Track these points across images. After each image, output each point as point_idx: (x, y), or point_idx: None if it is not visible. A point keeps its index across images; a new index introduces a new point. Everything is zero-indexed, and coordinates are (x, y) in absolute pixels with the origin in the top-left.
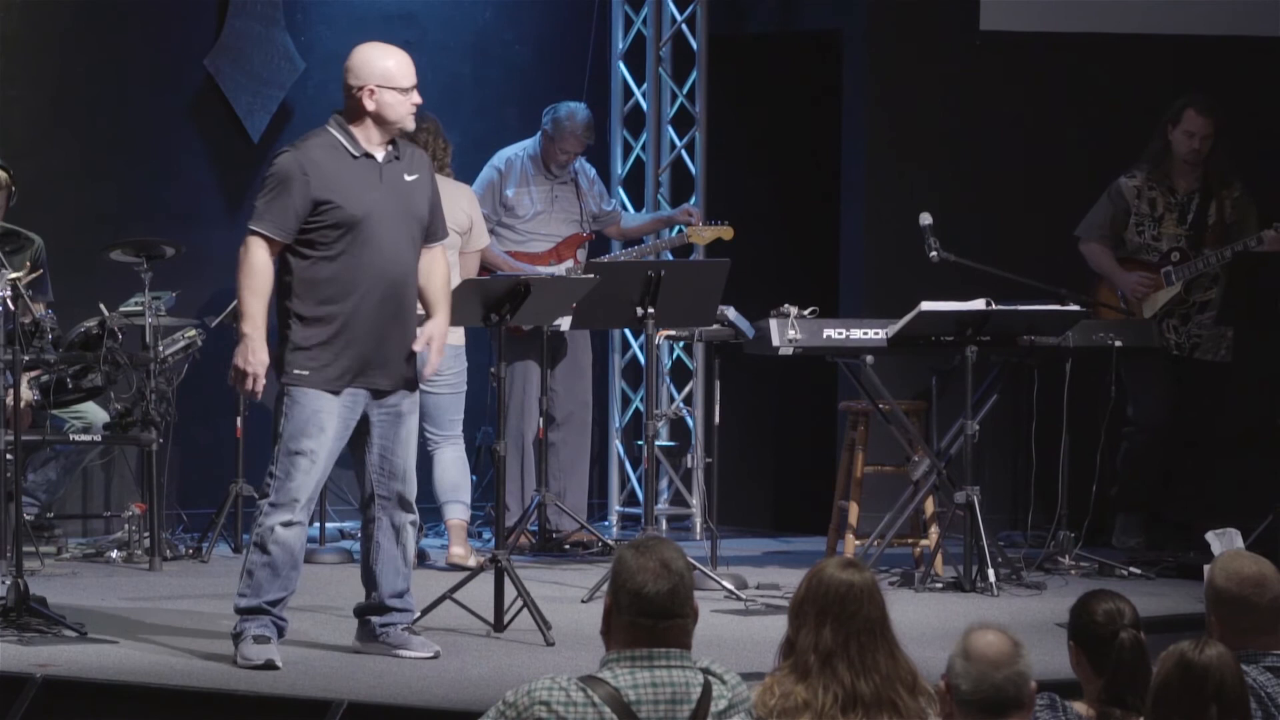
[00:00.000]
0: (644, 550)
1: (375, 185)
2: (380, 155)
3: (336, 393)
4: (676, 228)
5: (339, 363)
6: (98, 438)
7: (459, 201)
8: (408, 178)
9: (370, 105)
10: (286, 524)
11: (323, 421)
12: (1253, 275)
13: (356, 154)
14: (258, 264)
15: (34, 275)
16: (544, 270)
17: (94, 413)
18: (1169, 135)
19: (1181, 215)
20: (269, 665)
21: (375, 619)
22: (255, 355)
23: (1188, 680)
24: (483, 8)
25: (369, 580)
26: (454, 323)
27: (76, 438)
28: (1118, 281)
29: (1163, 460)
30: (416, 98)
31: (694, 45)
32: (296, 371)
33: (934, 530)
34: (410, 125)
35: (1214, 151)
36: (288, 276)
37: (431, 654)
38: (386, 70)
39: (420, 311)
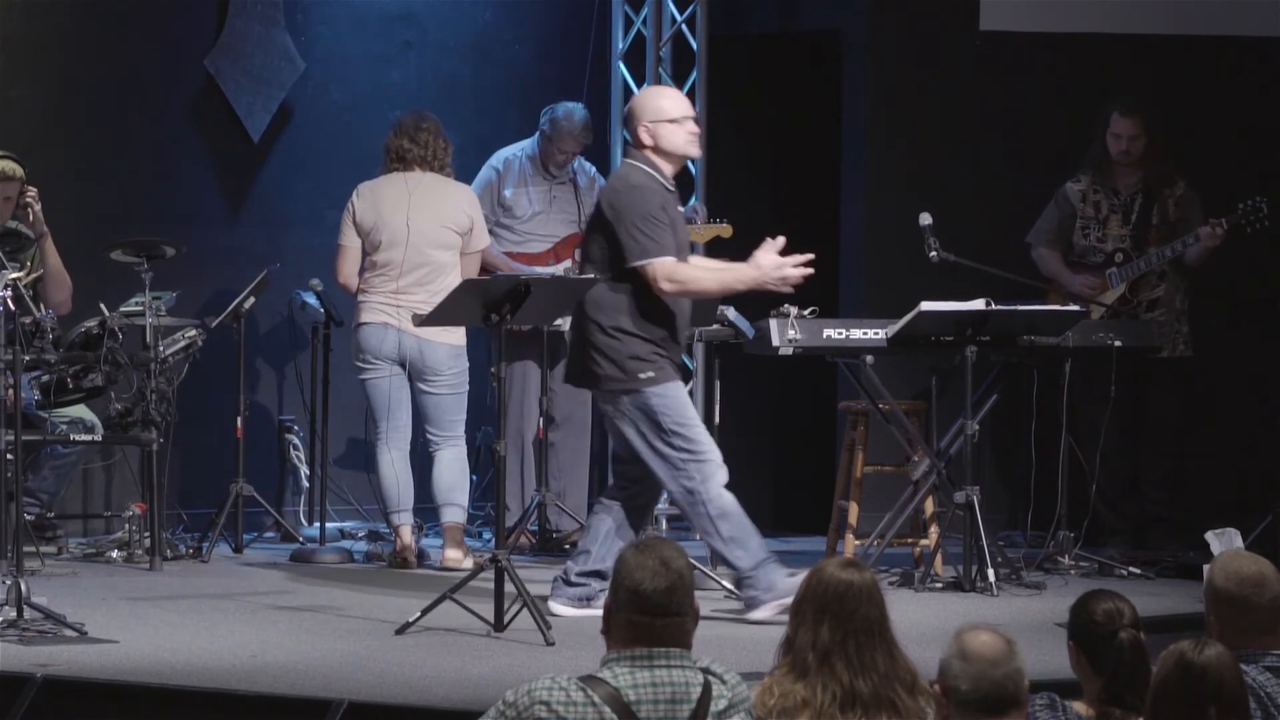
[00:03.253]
0: (644, 549)
1: (680, 217)
2: (672, 188)
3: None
4: None
5: (673, 354)
6: (98, 437)
7: (459, 202)
8: (680, 209)
9: (648, 139)
10: (722, 485)
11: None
12: (1217, 269)
13: (670, 188)
14: (691, 269)
15: (34, 276)
16: (542, 270)
17: (84, 416)
18: (1104, 139)
19: (1125, 216)
20: None
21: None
22: (762, 265)
23: (1186, 680)
24: (483, 8)
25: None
26: (454, 323)
27: (77, 437)
28: (1065, 285)
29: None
30: (693, 127)
31: (694, 45)
32: (645, 375)
33: (934, 530)
34: (693, 152)
35: (1151, 150)
36: (624, 297)
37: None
38: (660, 106)
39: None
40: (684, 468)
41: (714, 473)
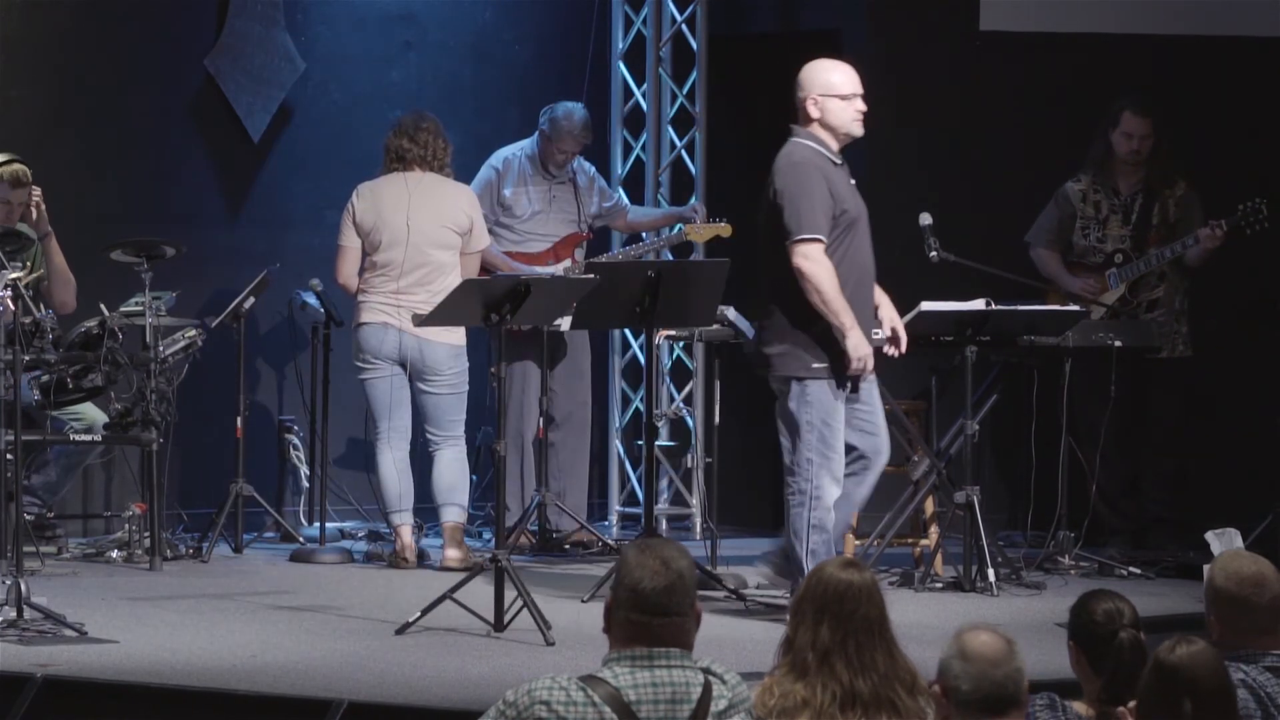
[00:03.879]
0: (646, 548)
1: (851, 189)
2: (839, 161)
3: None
4: (676, 226)
5: (843, 357)
6: (98, 438)
7: (459, 202)
8: (852, 181)
9: (815, 113)
10: (833, 499)
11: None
12: (1217, 270)
13: (837, 161)
14: (828, 269)
15: (34, 276)
16: (542, 270)
17: (91, 413)
18: (1110, 138)
19: (1125, 216)
20: None
21: None
22: (866, 343)
23: (1160, 678)
24: (483, 8)
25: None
26: (454, 323)
27: (77, 438)
28: (1065, 286)
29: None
30: (860, 105)
31: (694, 45)
32: (817, 365)
33: (934, 530)
34: (857, 131)
35: (1155, 151)
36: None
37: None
38: (830, 80)
39: None
40: (807, 467)
41: (831, 484)
